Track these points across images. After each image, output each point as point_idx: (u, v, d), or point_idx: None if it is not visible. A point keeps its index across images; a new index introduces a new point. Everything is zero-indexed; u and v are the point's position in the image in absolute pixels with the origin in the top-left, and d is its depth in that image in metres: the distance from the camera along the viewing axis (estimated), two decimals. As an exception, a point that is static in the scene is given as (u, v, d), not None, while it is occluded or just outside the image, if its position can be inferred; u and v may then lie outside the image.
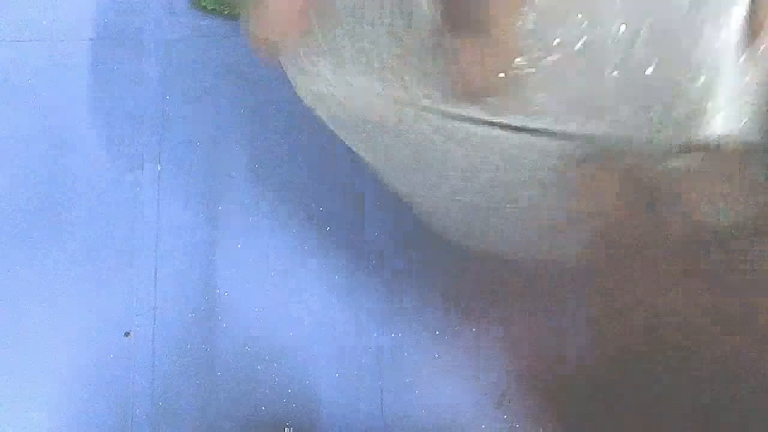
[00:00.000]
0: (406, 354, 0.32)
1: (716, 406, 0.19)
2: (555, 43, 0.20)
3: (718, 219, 0.20)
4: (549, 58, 0.20)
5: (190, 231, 0.33)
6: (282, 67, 0.26)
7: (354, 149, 0.24)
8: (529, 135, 0.20)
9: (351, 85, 0.22)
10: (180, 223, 0.33)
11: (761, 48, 0.19)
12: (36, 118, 0.33)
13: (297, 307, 0.32)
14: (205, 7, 0.35)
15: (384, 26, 0.21)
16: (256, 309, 0.32)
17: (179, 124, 0.34)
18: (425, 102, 0.21)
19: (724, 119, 0.20)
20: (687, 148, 0.20)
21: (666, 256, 0.20)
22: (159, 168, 0.33)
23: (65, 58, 0.34)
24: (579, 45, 0.19)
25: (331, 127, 0.24)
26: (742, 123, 0.20)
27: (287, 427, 0.31)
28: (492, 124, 0.20)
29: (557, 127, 0.20)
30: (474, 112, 0.20)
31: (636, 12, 0.19)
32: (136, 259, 0.32)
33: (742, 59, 0.19)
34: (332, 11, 0.21)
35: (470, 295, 0.31)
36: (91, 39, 0.34)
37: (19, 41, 0.34)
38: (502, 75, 0.20)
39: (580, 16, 0.19)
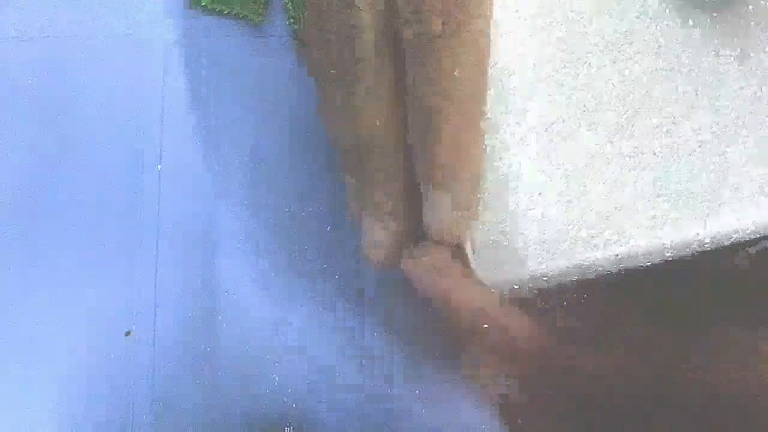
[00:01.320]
0: (406, 353, 0.32)
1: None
2: None
3: None
4: None
5: (190, 231, 0.33)
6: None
7: None
8: None
9: None
10: (180, 223, 0.33)
11: None
12: (36, 118, 0.33)
13: (297, 306, 0.32)
14: (205, 6, 0.35)
15: None
16: (256, 309, 0.32)
17: (179, 124, 0.34)
18: None
19: None
20: None
21: None
22: (159, 168, 0.33)
23: (65, 58, 0.34)
24: None
25: None
26: None
27: (287, 426, 0.31)
28: None
29: None
30: None
31: None
32: (136, 259, 0.32)
33: None
34: None
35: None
36: (91, 39, 0.34)
37: (19, 40, 0.34)
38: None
39: None
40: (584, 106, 0.21)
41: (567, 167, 0.21)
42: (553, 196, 0.21)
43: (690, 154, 0.21)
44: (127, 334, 0.32)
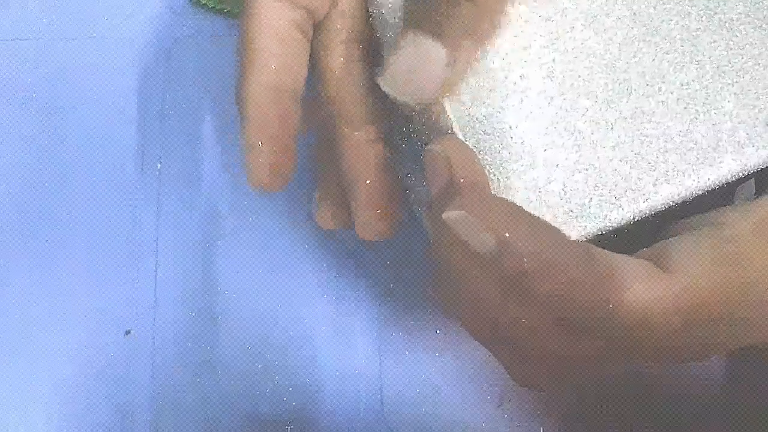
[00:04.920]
0: (406, 353, 0.32)
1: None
2: None
3: None
4: None
5: (190, 230, 0.33)
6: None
7: None
8: None
9: None
10: (180, 223, 0.33)
11: None
12: (36, 118, 0.33)
13: (297, 305, 0.32)
14: (205, 5, 0.35)
15: None
16: (256, 308, 0.32)
17: (179, 123, 0.34)
18: None
19: None
20: None
21: None
22: (159, 167, 0.33)
23: (65, 58, 0.34)
24: None
25: None
26: None
27: (288, 426, 0.31)
28: None
29: None
30: None
31: None
32: (136, 258, 0.32)
33: None
34: None
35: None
36: (91, 39, 0.34)
37: (19, 41, 0.34)
38: None
39: None
40: (579, 77, 0.22)
41: (576, 137, 0.22)
42: (570, 166, 0.22)
43: (685, 108, 0.22)
44: (127, 333, 0.32)
